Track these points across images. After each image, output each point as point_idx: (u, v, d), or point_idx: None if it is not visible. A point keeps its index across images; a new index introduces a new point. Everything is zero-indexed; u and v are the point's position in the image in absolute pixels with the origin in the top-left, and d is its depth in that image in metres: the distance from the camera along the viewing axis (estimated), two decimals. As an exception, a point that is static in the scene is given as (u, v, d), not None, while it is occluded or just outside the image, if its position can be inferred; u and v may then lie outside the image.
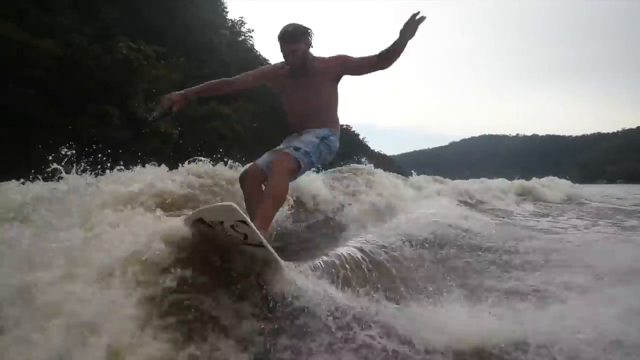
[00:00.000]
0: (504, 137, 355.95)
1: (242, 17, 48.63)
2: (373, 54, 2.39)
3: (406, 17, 2.25)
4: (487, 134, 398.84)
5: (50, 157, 2.88)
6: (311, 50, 2.37)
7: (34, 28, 18.36)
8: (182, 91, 2.47)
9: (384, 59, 2.35)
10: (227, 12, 49.42)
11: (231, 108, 29.39)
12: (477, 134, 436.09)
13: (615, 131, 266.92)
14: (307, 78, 2.38)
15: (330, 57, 2.45)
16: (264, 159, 2.46)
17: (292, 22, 2.35)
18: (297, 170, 2.29)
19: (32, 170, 3.20)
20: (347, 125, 68.94)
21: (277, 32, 2.31)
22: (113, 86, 20.23)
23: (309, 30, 2.30)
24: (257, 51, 48.20)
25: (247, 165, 2.62)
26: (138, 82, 21.15)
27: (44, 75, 17.72)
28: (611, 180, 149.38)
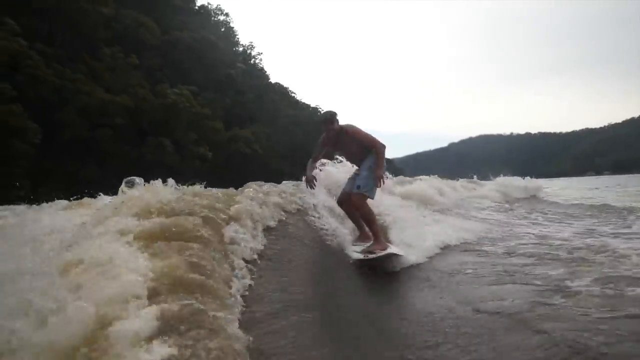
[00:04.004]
0: (500, 136, 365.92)
1: (251, 42, 56.76)
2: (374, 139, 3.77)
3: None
4: (483, 134, 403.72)
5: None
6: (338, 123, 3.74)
7: (110, 87, 25.77)
8: (307, 172, 3.82)
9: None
10: (239, 40, 58.18)
11: (250, 130, 36.08)
12: (474, 135, 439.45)
13: (603, 126, 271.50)
14: (343, 139, 3.77)
15: (352, 130, 3.75)
16: (348, 186, 3.84)
17: (328, 110, 3.80)
18: (366, 197, 3.58)
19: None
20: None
21: (320, 117, 3.80)
22: (164, 123, 27.55)
23: (336, 114, 3.71)
24: (266, 72, 56.27)
25: (340, 192, 3.94)
26: (182, 118, 28.43)
27: (119, 121, 25.09)
28: (599, 172, 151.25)
